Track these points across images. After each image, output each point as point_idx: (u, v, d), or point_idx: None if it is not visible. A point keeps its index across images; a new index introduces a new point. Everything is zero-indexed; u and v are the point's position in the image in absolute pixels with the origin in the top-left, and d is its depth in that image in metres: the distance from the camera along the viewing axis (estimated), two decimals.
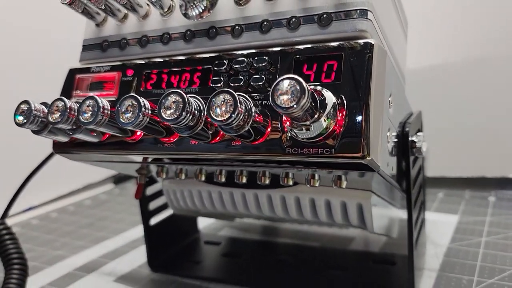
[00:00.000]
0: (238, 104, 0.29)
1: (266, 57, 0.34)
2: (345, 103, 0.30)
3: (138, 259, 0.60)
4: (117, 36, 0.42)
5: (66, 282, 0.54)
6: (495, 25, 0.73)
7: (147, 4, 0.41)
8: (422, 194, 0.51)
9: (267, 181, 0.40)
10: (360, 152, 0.29)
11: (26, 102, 0.37)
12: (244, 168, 0.39)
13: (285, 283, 0.51)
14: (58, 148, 0.42)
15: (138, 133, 0.37)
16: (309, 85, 0.29)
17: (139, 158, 0.40)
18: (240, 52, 0.35)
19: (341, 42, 0.32)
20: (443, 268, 0.50)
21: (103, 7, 0.40)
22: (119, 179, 1.04)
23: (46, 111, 0.36)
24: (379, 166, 0.31)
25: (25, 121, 0.36)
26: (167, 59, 0.39)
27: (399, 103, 0.39)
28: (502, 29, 0.73)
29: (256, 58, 0.34)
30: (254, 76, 0.34)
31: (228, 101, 0.29)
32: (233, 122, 0.29)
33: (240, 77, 0.34)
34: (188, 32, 0.38)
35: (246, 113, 0.30)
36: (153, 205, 0.57)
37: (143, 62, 0.40)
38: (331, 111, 0.30)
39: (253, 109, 0.31)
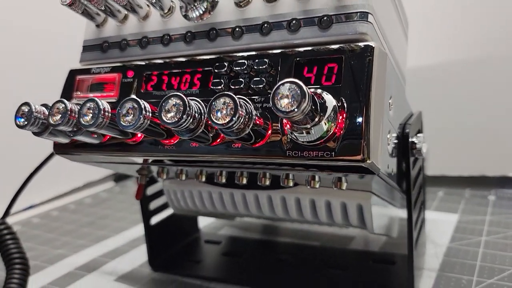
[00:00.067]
0: (239, 107, 0.29)
1: (266, 60, 0.34)
2: (345, 106, 0.30)
3: (139, 258, 0.60)
4: (117, 37, 0.42)
5: (67, 281, 0.55)
6: (495, 25, 0.73)
7: (147, 5, 0.40)
8: (422, 194, 0.51)
9: (268, 182, 0.40)
10: (360, 155, 0.30)
11: (26, 104, 0.37)
12: (245, 169, 0.39)
13: (285, 282, 0.51)
14: (59, 149, 0.42)
15: (139, 135, 0.37)
16: (309, 88, 0.29)
17: (139, 160, 0.40)
18: (240, 54, 0.35)
19: (341, 45, 0.32)
20: (442, 268, 0.51)
21: (103, 8, 0.40)
22: (119, 177, 1.04)
23: (47, 113, 0.36)
24: (379, 169, 0.31)
25: (26, 123, 0.36)
26: (167, 60, 0.39)
27: (399, 104, 0.39)
28: (502, 29, 0.73)
29: (257, 60, 0.34)
30: (255, 79, 0.34)
31: (229, 104, 0.29)
32: (234, 125, 0.29)
33: (241, 79, 0.34)
34: (189, 34, 0.38)
35: (247, 116, 0.30)
36: (153, 204, 0.57)
37: (143, 63, 0.40)
38: (332, 114, 0.30)
39: (254, 112, 0.31)
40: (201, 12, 0.37)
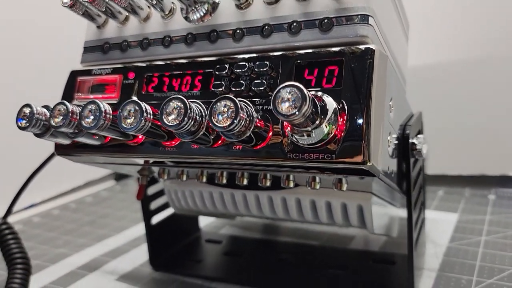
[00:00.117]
0: (240, 110, 0.29)
1: (267, 62, 0.34)
2: (346, 108, 0.31)
3: (140, 258, 0.60)
4: (118, 39, 0.42)
5: (69, 281, 0.55)
6: (495, 25, 0.73)
7: (148, 7, 0.41)
8: (422, 195, 0.51)
9: (268, 183, 0.40)
10: (361, 158, 0.30)
11: (28, 105, 0.37)
12: (245, 170, 0.39)
13: (285, 282, 0.51)
14: (60, 150, 0.42)
15: (140, 136, 0.37)
16: (310, 91, 0.29)
17: (140, 161, 0.40)
18: (241, 56, 0.36)
19: (342, 47, 0.32)
20: (442, 268, 0.51)
21: (104, 9, 0.40)
22: (120, 176, 1.04)
23: (48, 114, 0.36)
24: (380, 172, 0.31)
25: (28, 124, 0.36)
26: (168, 62, 0.39)
27: (400, 105, 0.39)
28: (502, 29, 0.73)
29: (257, 62, 0.34)
30: (256, 81, 0.34)
31: (230, 107, 0.29)
32: (235, 128, 0.29)
33: (241, 81, 0.34)
34: (189, 35, 0.38)
35: (248, 119, 0.30)
36: (154, 204, 0.57)
37: (144, 65, 0.40)
38: (332, 116, 0.30)
39: (255, 115, 0.31)
40: (202, 14, 0.37)
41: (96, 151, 0.40)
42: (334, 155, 0.30)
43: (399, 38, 0.44)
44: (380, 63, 0.31)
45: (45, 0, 0.85)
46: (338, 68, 0.32)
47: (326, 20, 0.33)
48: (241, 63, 0.35)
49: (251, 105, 0.31)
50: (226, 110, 0.29)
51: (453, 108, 0.78)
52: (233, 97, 0.29)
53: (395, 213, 0.53)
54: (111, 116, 0.34)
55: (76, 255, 0.63)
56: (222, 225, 0.69)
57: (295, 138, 0.31)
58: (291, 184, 0.39)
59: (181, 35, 0.39)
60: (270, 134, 0.33)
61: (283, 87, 0.27)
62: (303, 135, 0.30)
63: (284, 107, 0.27)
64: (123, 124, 0.32)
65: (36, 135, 0.38)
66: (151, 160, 0.40)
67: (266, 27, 0.35)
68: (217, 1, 0.37)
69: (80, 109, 0.34)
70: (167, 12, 0.39)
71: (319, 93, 0.31)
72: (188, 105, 0.31)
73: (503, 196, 0.74)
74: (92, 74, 0.42)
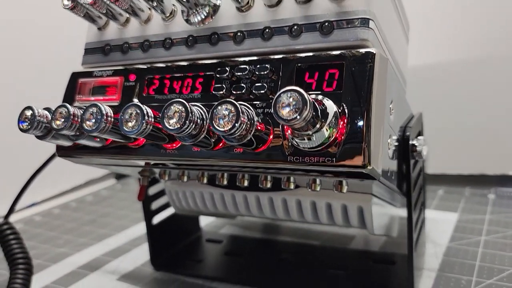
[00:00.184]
0: (241, 114, 0.29)
1: (268, 65, 0.34)
2: (346, 112, 0.31)
3: (141, 257, 0.60)
4: (119, 40, 0.42)
5: (70, 280, 0.55)
6: (495, 25, 0.73)
7: (149, 9, 0.41)
8: (422, 196, 0.51)
9: (269, 185, 0.40)
10: (361, 161, 0.30)
11: (29, 108, 0.37)
12: (246, 172, 0.39)
13: (286, 282, 0.51)
14: (62, 152, 0.42)
15: (141, 138, 0.38)
16: (310, 94, 0.29)
17: (141, 163, 0.41)
18: (242, 59, 0.36)
19: (342, 51, 0.32)
20: (442, 268, 0.51)
21: (104, 11, 0.40)
22: (120, 175, 1.04)
23: (50, 117, 0.37)
24: (380, 175, 0.31)
25: (29, 127, 0.36)
26: (169, 64, 0.39)
27: (400, 107, 0.40)
28: (502, 29, 0.73)
29: (258, 65, 0.34)
30: (256, 84, 0.34)
31: (231, 111, 0.29)
32: (236, 132, 0.29)
33: (242, 84, 0.35)
34: (190, 38, 0.38)
35: (249, 122, 0.30)
36: (155, 204, 0.57)
37: (145, 67, 0.40)
38: (333, 120, 0.30)
39: (255, 118, 0.31)
40: (203, 17, 0.37)
41: (97, 153, 0.40)
42: (334, 159, 0.30)
43: (400, 39, 0.44)
44: (381, 67, 0.31)
45: (45, 0, 0.85)
46: (338, 71, 0.32)
47: (326, 24, 0.33)
48: (242, 66, 0.35)
49: (251, 108, 0.32)
50: (227, 114, 0.29)
51: (453, 108, 0.78)
52: (234, 101, 0.29)
53: (395, 213, 0.53)
54: (112, 119, 0.34)
55: (77, 255, 0.63)
56: (223, 225, 0.70)
57: (296, 142, 0.31)
58: (292, 186, 0.39)
59: (182, 37, 0.39)
60: (271, 137, 0.33)
61: (283, 92, 0.27)
62: (304, 139, 0.30)
63: (285, 111, 0.27)
64: (124, 127, 0.32)
65: (38, 137, 0.38)
66: (152, 162, 0.40)
67: (267, 30, 0.35)
68: (218, 4, 0.37)
69: (82, 112, 0.34)
70: (168, 14, 0.39)
71: (320, 97, 0.31)
72: (189, 108, 0.31)
73: (503, 195, 0.74)
74: (93, 76, 0.42)
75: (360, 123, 0.30)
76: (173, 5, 0.39)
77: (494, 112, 0.76)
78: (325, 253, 0.58)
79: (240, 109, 0.29)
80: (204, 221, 0.70)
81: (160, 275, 0.55)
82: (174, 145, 0.36)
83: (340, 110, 0.31)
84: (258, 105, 0.34)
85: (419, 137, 0.42)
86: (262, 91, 0.33)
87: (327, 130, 0.30)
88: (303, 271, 0.53)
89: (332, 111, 0.30)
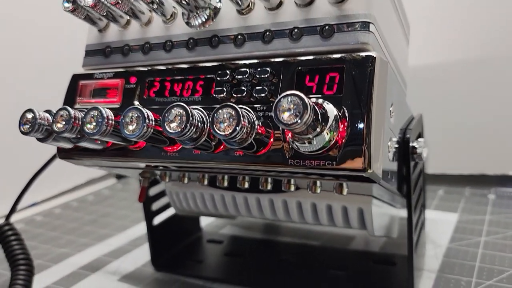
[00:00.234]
0: (241, 118, 0.29)
1: (268, 68, 0.34)
2: (346, 115, 0.31)
3: (142, 258, 0.60)
4: (120, 42, 0.42)
5: (71, 281, 0.55)
6: (495, 25, 0.73)
7: (149, 11, 0.41)
8: (422, 197, 0.52)
9: (269, 187, 0.40)
10: (361, 165, 0.30)
11: (30, 111, 0.37)
12: (246, 175, 0.39)
13: (286, 283, 0.52)
14: (62, 153, 0.42)
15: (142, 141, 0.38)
16: (311, 97, 0.29)
17: (142, 165, 0.41)
18: (242, 62, 0.36)
19: (343, 54, 0.32)
20: (442, 269, 0.51)
21: (105, 13, 0.40)
22: (121, 175, 1.04)
23: (51, 119, 0.37)
24: (380, 178, 0.32)
25: (30, 129, 0.37)
26: (170, 67, 0.39)
27: (400, 110, 0.40)
28: (502, 29, 0.73)
29: (259, 69, 0.34)
30: (257, 87, 0.34)
31: (231, 115, 0.29)
32: (237, 136, 0.29)
33: (243, 87, 0.35)
34: (191, 40, 0.38)
35: (249, 126, 0.30)
36: (156, 205, 0.57)
37: (145, 69, 0.40)
38: (333, 123, 0.30)
39: (256, 122, 0.31)
40: (204, 20, 0.37)
41: (98, 156, 0.40)
42: (335, 162, 0.30)
43: (400, 41, 0.44)
44: (381, 70, 0.31)
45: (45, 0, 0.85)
46: (339, 75, 0.32)
47: (327, 27, 0.33)
48: (242, 69, 0.35)
49: (252, 112, 0.32)
50: (228, 118, 0.29)
51: (453, 108, 0.78)
52: (234, 105, 0.29)
53: (395, 213, 0.53)
54: (113, 122, 0.34)
55: (78, 255, 0.63)
56: (223, 225, 0.70)
57: (296, 145, 0.31)
58: (292, 188, 0.39)
59: (182, 39, 0.39)
60: (272, 140, 0.33)
61: (284, 96, 0.27)
62: (304, 143, 0.30)
63: (286, 116, 0.27)
64: (125, 131, 0.32)
65: (39, 139, 0.38)
66: (153, 165, 0.40)
67: (267, 33, 0.35)
68: (218, 7, 0.37)
69: (83, 115, 0.34)
70: (168, 17, 0.39)
71: (320, 100, 0.31)
72: (190, 112, 0.31)
73: (503, 195, 0.74)
74: (94, 78, 0.42)
75: (361, 126, 0.30)
76: (174, 7, 0.39)
77: (494, 112, 0.76)
78: (325, 254, 0.58)
79: (240, 113, 0.29)
80: (205, 222, 0.70)
81: (161, 275, 0.55)
82: (175, 148, 0.36)
83: (340, 114, 0.31)
84: (258, 108, 0.34)
85: (419, 139, 0.42)
86: (263, 94, 0.34)
87: (327, 134, 0.30)
88: (304, 271, 0.53)
89: (332, 115, 0.30)
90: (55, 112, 0.36)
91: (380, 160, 0.31)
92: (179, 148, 0.36)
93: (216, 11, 0.37)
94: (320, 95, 0.32)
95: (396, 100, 0.37)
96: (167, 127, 0.31)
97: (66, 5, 0.39)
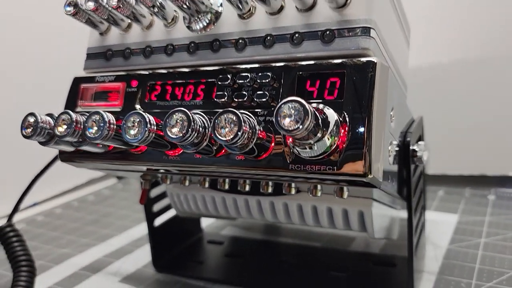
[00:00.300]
0: (243, 123, 0.29)
1: (269, 73, 0.34)
2: (347, 120, 0.31)
3: (143, 259, 0.61)
4: (121, 46, 0.42)
5: (72, 282, 0.56)
6: (495, 25, 0.73)
7: (151, 15, 0.41)
8: (423, 199, 0.52)
9: (270, 190, 0.40)
10: (362, 170, 0.30)
11: (32, 114, 0.37)
12: (247, 178, 0.40)
13: (286, 284, 0.52)
14: (64, 157, 0.43)
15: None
16: (311, 102, 0.29)
17: (143, 169, 0.41)
18: (243, 66, 0.36)
19: (344, 60, 0.32)
20: (442, 271, 0.51)
21: (106, 17, 0.40)
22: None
23: (53, 123, 0.37)
24: (381, 183, 0.32)
25: (32, 133, 0.37)
26: (171, 70, 0.40)
27: (401, 113, 0.40)
28: (502, 29, 0.73)
29: (260, 73, 0.34)
30: (258, 92, 0.34)
31: (233, 121, 0.30)
32: (238, 141, 0.30)
33: (244, 92, 0.35)
34: (192, 44, 0.38)
35: (250, 131, 0.30)
36: (157, 206, 0.57)
37: (147, 73, 0.40)
38: (334, 128, 0.30)
39: (257, 127, 0.31)
40: (205, 24, 0.38)
41: (100, 159, 0.40)
42: (335, 168, 0.31)
43: (400, 44, 0.44)
44: (382, 76, 0.32)
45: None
46: (339, 80, 0.32)
47: (328, 32, 0.33)
48: (243, 74, 0.35)
49: (253, 117, 0.32)
50: (229, 123, 0.30)
51: (453, 108, 0.78)
52: (235, 111, 0.30)
53: (395, 215, 0.53)
54: (115, 126, 0.34)
55: (80, 256, 0.63)
56: (224, 226, 0.70)
57: (297, 150, 0.31)
58: (293, 191, 0.39)
59: (183, 43, 0.39)
60: (272, 144, 0.33)
61: (284, 103, 0.28)
62: (305, 148, 0.30)
63: (287, 122, 0.27)
64: (127, 135, 0.33)
65: (41, 143, 0.38)
66: (154, 168, 0.40)
67: (269, 38, 0.35)
68: (219, 11, 0.37)
69: (84, 119, 0.34)
70: (169, 21, 0.39)
71: (321, 106, 0.31)
72: (191, 117, 0.31)
73: (503, 196, 0.74)
74: (95, 81, 0.42)
75: (361, 132, 0.30)
76: (175, 11, 0.40)
77: (494, 112, 0.76)
78: (326, 255, 0.59)
79: (242, 118, 0.29)
80: (205, 223, 0.70)
81: (162, 276, 0.55)
82: (176, 152, 0.36)
83: (341, 119, 0.31)
84: (259, 112, 0.34)
85: (419, 142, 0.42)
86: (264, 99, 0.34)
87: (328, 139, 0.30)
88: (304, 272, 0.53)
89: (333, 120, 0.31)
90: (57, 115, 0.36)
91: (381, 165, 0.31)
92: (181, 152, 0.36)
93: (217, 15, 0.37)
94: (321, 100, 0.32)
95: (397, 104, 0.37)
96: (168, 132, 0.31)
97: (68, 8, 0.39)
